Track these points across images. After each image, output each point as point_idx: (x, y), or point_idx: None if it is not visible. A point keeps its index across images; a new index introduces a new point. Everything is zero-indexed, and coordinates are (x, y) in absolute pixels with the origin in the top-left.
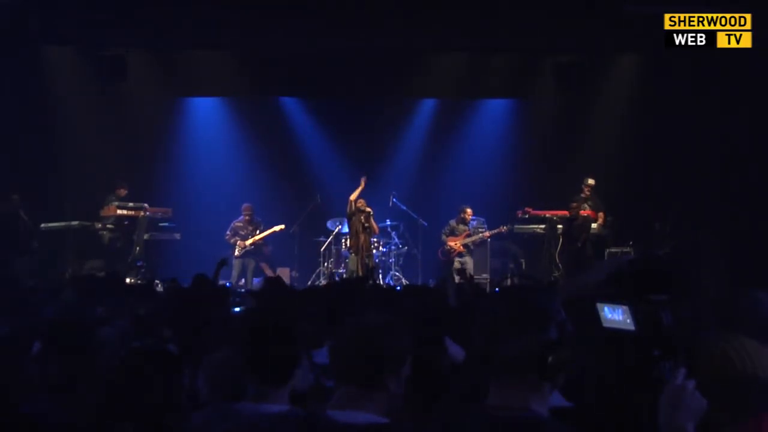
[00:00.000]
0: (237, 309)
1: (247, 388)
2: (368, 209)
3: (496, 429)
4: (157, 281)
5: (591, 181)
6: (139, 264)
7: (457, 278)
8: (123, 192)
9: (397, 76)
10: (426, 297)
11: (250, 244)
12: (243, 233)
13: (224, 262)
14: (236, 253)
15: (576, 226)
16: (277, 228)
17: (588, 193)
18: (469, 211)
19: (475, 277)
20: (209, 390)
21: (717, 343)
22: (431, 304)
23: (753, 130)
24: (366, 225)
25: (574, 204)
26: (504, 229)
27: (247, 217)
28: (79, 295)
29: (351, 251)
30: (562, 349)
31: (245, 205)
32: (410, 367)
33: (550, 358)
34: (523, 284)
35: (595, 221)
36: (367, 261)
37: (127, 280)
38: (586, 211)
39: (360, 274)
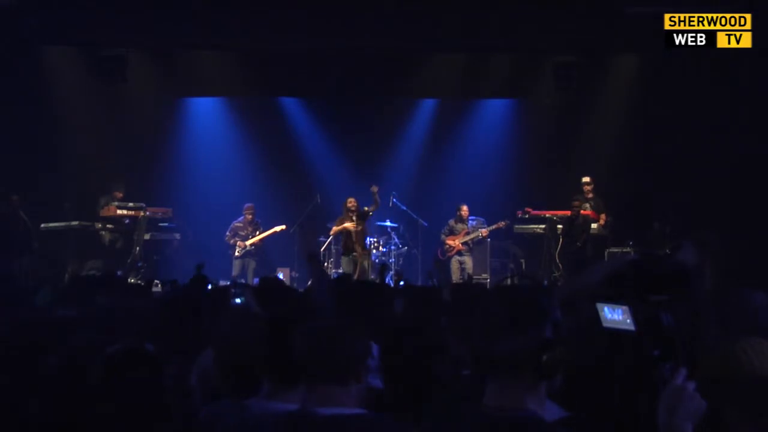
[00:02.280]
0: (237, 300)
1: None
2: (355, 209)
3: (492, 428)
4: (156, 281)
5: (585, 179)
6: (139, 264)
7: (454, 277)
8: (119, 195)
9: (397, 76)
10: (424, 296)
11: (251, 245)
12: (243, 234)
13: (202, 266)
14: (236, 253)
15: (576, 225)
16: (277, 228)
17: (589, 193)
18: (464, 208)
19: (475, 276)
20: (199, 388)
21: (733, 343)
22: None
23: (753, 130)
24: (359, 228)
25: (576, 202)
26: (503, 224)
27: (248, 217)
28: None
29: (343, 253)
30: (557, 348)
31: (247, 205)
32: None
33: (544, 357)
34: (518, 283)
35: (596, 221)
36: (363, 261)
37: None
38: (586, 211)
39: (355, 275)
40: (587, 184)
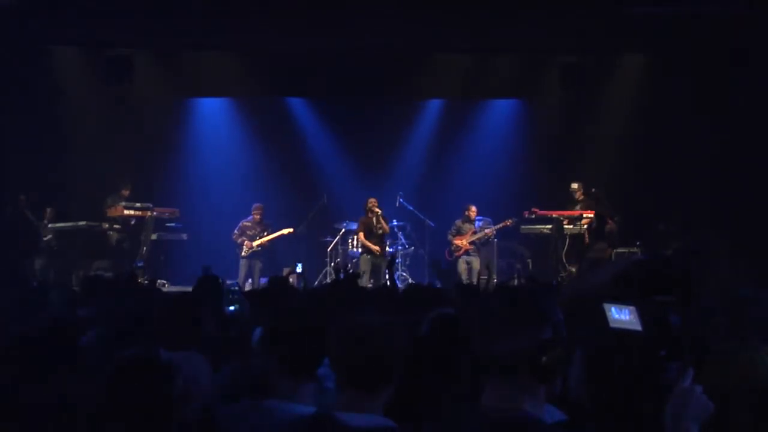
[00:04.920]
0: (231, 308)
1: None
2: (378, 210)
3: (489, 429)
4: (163, 281)
5: (574, 186)
6: (140, 265)
7: (464, 276)
8: (126, 192)
9: (403, 76)
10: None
11: (258, 245)
12: (251, 233)
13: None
14: (243, 253)
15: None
16: (285, 231)
17: (580, 197)
18: (473, 208)
19: (482, 277)
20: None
21: (742, 350)
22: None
23: (756, 130)
24: (378, 226)
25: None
26: (510, 222)
27: (257, 217)
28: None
29: (362, 252)
30: (556, 349)
31: (256, 205)
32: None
33: (543, 359)
34: (520, 283)
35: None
36: (379, 261)
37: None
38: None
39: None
40: (576, 190)
